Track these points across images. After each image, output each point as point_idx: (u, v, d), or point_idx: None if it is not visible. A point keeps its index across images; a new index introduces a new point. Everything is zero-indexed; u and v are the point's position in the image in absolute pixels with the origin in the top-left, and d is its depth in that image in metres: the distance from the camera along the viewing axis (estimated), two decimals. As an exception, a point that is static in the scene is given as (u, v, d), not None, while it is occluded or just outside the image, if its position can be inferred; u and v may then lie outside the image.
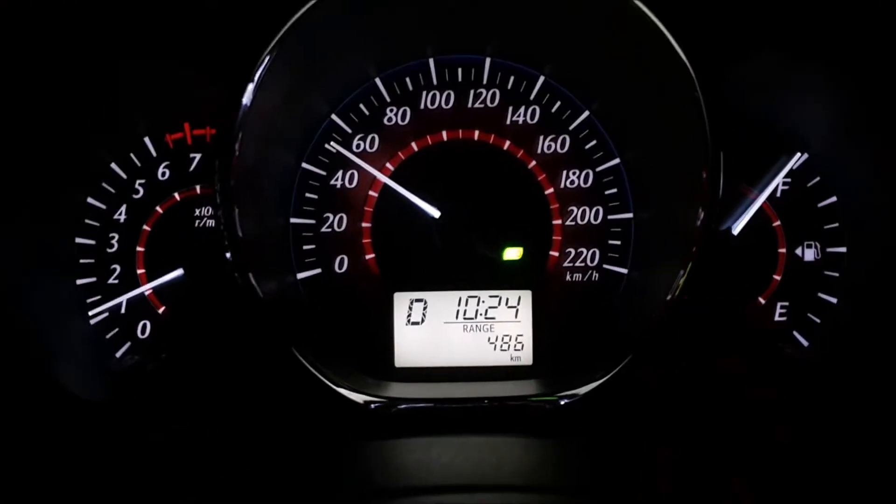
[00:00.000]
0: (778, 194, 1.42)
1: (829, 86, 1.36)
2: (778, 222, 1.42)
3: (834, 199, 1.42)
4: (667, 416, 1.17)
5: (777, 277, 1.42)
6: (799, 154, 1.42)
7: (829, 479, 1.03)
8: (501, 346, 1.40)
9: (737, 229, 1.39)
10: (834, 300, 1.41)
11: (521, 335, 1.40)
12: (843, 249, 1.41)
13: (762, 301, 1.42)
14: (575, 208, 1.42)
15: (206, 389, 1.34)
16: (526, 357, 1.40)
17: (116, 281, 1.42)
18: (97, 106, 1.38)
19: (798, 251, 1.42)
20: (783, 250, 1.42)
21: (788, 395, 1.31)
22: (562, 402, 1.19)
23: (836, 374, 1.35)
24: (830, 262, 1.42)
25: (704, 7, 1.18)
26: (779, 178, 1.41)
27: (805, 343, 1.41)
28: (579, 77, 1.41)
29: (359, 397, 1.22)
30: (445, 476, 0.99)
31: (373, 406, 1.22)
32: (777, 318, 1.41)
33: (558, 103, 1.42)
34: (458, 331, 1.40)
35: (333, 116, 1.42)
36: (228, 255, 1.18)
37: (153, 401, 1.34)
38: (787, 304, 1.42)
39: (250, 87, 1.15)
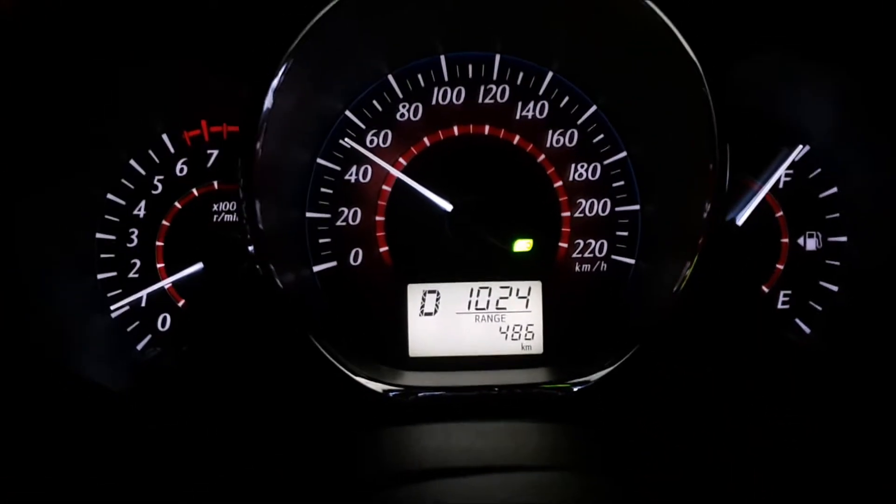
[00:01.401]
0: (780, 186, 1.46)
1: (831, 81, 1.39)
2: (780, 213, 1.46)
3: (835, 189, 1.46)
4: (677, 403, 1.21)
5: (780, 266, 1.46)
6: (801, 146, 1.46)
7: (828, 464, 1.06)
8: (513, 335, 1.43)
9: (741, 220, 1.43)
10: (835, 288, 1.45)
11: (531, 325, 1.43)
12: (844, 239, 1.46)
13: (765, 290, 1.46)
14: (583, 201, 1.45)
15: (225, 380, 1.37)
16: (536, 346, 1.43)
17: (137, 275, 1.45)
18: (116, 105, 1.41)
19: (800, 241, 1.46)
20: (786, 240, 1.46)
21: (791, 381, 1.35)
22: (574, 389, 1.23)
23: (837, 360, 1.39)
24: (831, 251, 1.46)
25: (711, 4, 1.21)
26: (781, 170, 1.45)
27: (807, 330, 1.46)
28: (587, 73, 1.43)
29: (377, 386, 1.25)
30: (463, 459, 1.03)
31: (391, 395, 1.26)
32: (780, 305, 1.46)
33: (566, 98, 1.46)
34: (470, 321, 1.43)
35: (347, 113, 1.45)
36: (251, 248, 1.21)
37: (174, 391, 1.37)
38: (789, 292, 1.46)
39: (271, 89, 1.18)
